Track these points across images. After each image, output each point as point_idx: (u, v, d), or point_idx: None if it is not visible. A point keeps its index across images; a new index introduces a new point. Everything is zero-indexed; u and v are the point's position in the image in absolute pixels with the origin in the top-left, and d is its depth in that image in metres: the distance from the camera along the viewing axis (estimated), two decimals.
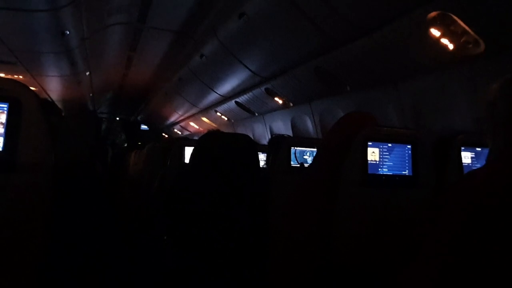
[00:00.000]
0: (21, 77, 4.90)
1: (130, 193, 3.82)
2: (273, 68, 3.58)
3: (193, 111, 7.06)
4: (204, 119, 7.03)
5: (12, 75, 4.79)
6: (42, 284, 0.92)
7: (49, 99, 6.37)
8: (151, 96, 8.28)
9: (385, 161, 1.32)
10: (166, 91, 6.76)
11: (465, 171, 1.63)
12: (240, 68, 3.84)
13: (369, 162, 1.29)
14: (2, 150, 0.84)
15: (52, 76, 5.02)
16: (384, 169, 1.32)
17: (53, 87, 5.74)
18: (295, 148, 2.08)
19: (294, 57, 3.14)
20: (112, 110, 11.23)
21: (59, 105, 7.21)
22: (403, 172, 1.35)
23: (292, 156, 2.07)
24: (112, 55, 5.30)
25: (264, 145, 3.14)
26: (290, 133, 4.35)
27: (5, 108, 0.85)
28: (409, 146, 1.35)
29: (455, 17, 1.73)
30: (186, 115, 7.76)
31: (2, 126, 0.84)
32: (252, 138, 3.41)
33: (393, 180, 1.33)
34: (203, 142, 1.46)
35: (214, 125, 6.71)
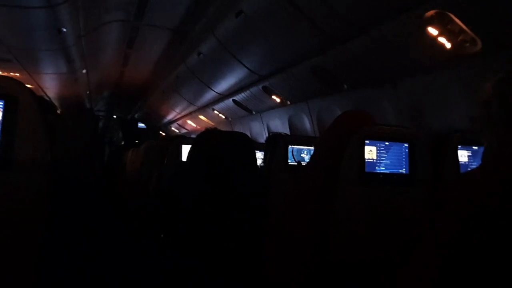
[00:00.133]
0: (17, 74, 4.87)
1: (128, 191, 3.81)
2: (271, 66, 3.58)
3: (191, 109, 7.04)
4: (202, 117, 7.02)
5: (9, 72, 4.76)
6: (40, 283, 0.92)
7: (45, 97, 6.34)
8: (148, 94, 8.26)
9: (382, 160, 1.32)
10: (164, 89, 6.74)
11: (462, 169, 1.64)
12: (238, 66, 3.83)
13: (366, 160, 1.29)
14: None
15: (49, 73, 4.99)
16: (381, 168, 1.32)
17: (50, 85, 5.71)
18: (293, 146, 2.08)
19: (291, 55, 3.14)
20: (109, 108, 11.20)
21: (56, 103, 7.18)
22: (400, 171, 1.35)
23: (290, 154, 2.07)
24: (109, 52, 5.28)
25: (262, 143, 3.13)
26: (287, 131, 4.36)
27: (1, 106, 0.85)
28: (406, 145, 1.36)
29: (452, 16, 1.74)
30: (184, 113, 7.74)
31: None
32: (250, 136, 3.41)
33: (390, 178, 1.33)
34: (200, 140, 1.45)
35: (211, 123, 6.70)
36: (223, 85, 4.80)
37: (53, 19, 3.09)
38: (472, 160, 1.67)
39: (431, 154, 1.38)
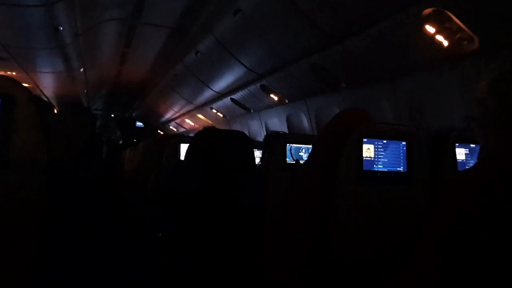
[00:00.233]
0: (14, 73, 4.86)
1: (126, 190, 3.81)
2: (269, 65, 3.57)
3: (189, 108, 7.04)
4: (200, 116, 7.01)
5: (5, 71, 4.74)
6: (39, 283, 0.92)
7: (43, 96, 6.32)
8: (146, 92, 8.24)
9: (380, 158, 1.32)
10: (161, 88, 6.73)
11: (460, 167, 1.64)
12: (236, 65, 3.83)
13: (364, 158, 1.29)
14: None
15: (46, 72, 4.98)
16: (379, 166, 1.32)
17: (47, 83, 5.69)
18: (291, 145, 2.08)
19: (290, 53, 3.14)
20: (107, 107, 11.18)
21: (54, 102, 7.16)
22: (398, 169, 1.36)
23: (288, 153, 2.07)
24: (107, 51, 5.26)
25: (260, 142, 3.13)
26: (285, 130, 4.35)
27: None
28: (404, 143, 1.36)
29: (450, 14, 1.74)
30: (182, 112, 7.73)
31: None
32: (248, 135, 3.41)
33: (388, 176, 1.33)
34: (198, 139, 1.45)
35: (209, 122, 6.70)
36: (221, 84, 4.79)
37: (50, 17, 3.07)
38: (469, 158, 1.67)
39: (429, 152, 1.39)
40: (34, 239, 0.88)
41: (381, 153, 1.32)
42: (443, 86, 2.25)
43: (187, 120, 8.12)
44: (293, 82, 3.53)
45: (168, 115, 8.76)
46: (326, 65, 2.88)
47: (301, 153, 2.13)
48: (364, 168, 1.29)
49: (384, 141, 1.33)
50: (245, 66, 3.78)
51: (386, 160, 1.33)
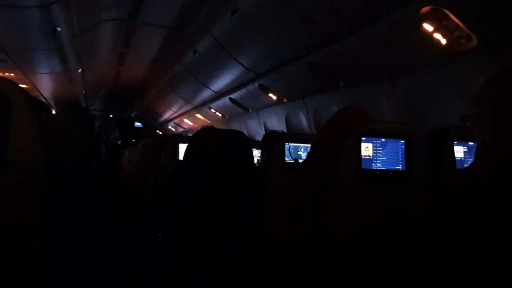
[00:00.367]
0: (12, 74, 4.84)
1: (125, 190, 3.81)
2: (267, 64, 3.57)
3: (187, 107, 7.03)
4: (198, 115, 7.01)
5: (3, 72, 4.73)
6: (38, 283, 0.91)
7: (41, 97, 6.31)
8: (144, 93, 8.23)
9: (379, 156, 1.32)
10: (160, 88, 6.72)
11: (458, 165, 1.64)
12: (234, 64, 3.83)
13: (362, 157, 1.29)
14: None
15: (44, 73, 4.97)
16: (377, 164, 1.33)
17: (45, 84, 5.68)
18: (289, 144, 2.08)
19: (287, 52, 3.13)
20: (106, 107, 11.16)
21: (52, 103, 7.15)
22: (397, 167, 1.36)
23: (287, 152, 2.07)
24: (105, 51, 5.25)
25: (259, 141, 3.13)
26: (284, 129, 4.36)
27: None
28: (402, 141, 1.36)
29: (447, 12, 1.74)
30: (180, 112, 7.73)
31: None
32: (246, 134, 3.41)
33: (387, 175, 1.34)
34: (197, 139, 1.45)
35: (208, 121, 6.69)
36: (219, 84, 4.79)
37: (47, 18, 3.07)
38: (468, 156, 1.68)
39: (427, 150, 1.39)
40: (33, 239, 0.88)
41: (379, 151, 1.33)
42: (442, 84, 2.26)
43: (186, 120, 8.12)
44: (291, 81, 3.53)
45: (167, 115, 8.75)
46: (324, 64, 2.88)
47: (300, 152, 2.13)
48: (363, 166, 1.29)
49: (383, 140, 1.33)
50: (243, 66, 3.78)
51: (385, 158, 1.34)
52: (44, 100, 6.48)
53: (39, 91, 6.06)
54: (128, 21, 4.22)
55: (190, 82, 5.26)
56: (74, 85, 5.95)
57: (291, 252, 1.29)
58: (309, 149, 2.07)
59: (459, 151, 1.67)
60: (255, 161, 2.54)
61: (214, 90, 5.14)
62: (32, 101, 0.89)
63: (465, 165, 1.65)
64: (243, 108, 5.12)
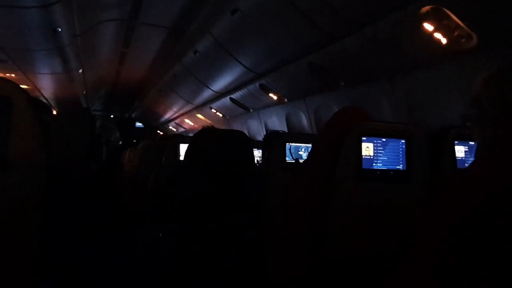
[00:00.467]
0: (12, 75, 4.85)
1: (126, 191, 3.81)
2: (267, 64, 3.57)
3: (188, 108, 7.03)
4: (199, 115, 7.01)
5: (4, 73, 4.74)
6: (38, 283, 0.92)
7: (41, 97, 6.32)
8: (145, 93, 8.24)
9: (379, 156, 1.32)
10: (160, 88, 6.72)
11: (459, 165, 1.64)
12: (234, 64, 3.83)
13: (363, 157, 1.29)
14: None
15: (44, 74, 4.97)
16: (378, 164, 1.32)
17: (46, 85, 5.69)
18: (290, 144, 2.08)
19: (288, 52, 3.13)
20: (106, 107, 11.17)
21: (53, 103, 7.15)
22: (397, 167, 1.36)
23: (287, 152, 2.07)
24: (105, 52, 5.26)
25: (259, 141, 3.13)
26: (285, 129, 4.36)
27: None
28: (403, 141, 1.36)
29: (448, 11, 1.74)
30: (181, 112, 7.73)
31: None
32: (247, 134, 3.41)
33: (388, 174, 1.34)
34: (197, 139, 1.45)
35: (209, 121, 6.69)
36: (220, 84, 4.79)
37: (47, 18, 3.07)
38: (468, 156, 1.67)
39: (428, 150, 1.39)
40: (33, 239, 0.88)
41: (380, 151, 1.33)
42: (442, 83, 2.25)
43: (187, 120, 8.12)
44: (292, 81, 3.53)
45: (168, 115, 8.75)
46: (324, 64, 2.88)
47: (300, 152, 2.13)
48: (364, 166, 1.29)
49: (383, 140, 1.33)
50: (244, 66, 3.78)
51: (386, 158, 1.33)
52: (44, 101, 6.49)
53: (39, 91, 6.07)
54: (129, 21, 4.22)
55: (191, 82, 5.26)
56: (75, 85, 5.96)
57: (292, 252, 1.29)
58: (309, 149, 2.07)
59: (459, 151, 1.66)
60: (256, 161, 2.54)
61: (214, 90, 5.14)
62: (32, 101, 0.89)
63: (466, 164, 1.65)
64: (243, 108, 5.12)
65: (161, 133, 10.63)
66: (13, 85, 0.87)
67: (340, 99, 3.24)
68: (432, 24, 1.86)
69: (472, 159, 1.67)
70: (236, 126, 5.70)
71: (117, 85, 7.84)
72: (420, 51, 2.14)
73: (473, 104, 0.81)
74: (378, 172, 1.32)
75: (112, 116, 12.16)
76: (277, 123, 4.58)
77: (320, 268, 1.23)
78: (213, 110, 6.09)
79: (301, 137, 2.18)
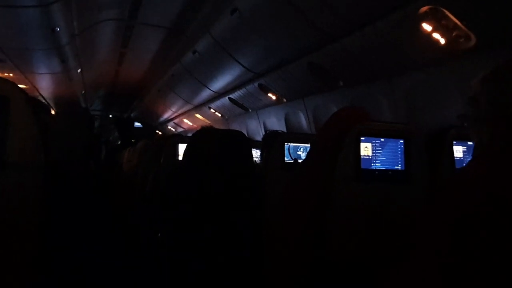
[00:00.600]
0: (11, 75, 4.84)
1: (124, 190, 3.80)
2: (266, 64, 3.57)
3: (187, 107, 7.03)
4: (198, 115, 7.01)
5: (2, 73, 4.73)
6: (38, 283, 0.91)
7: (40, 97, 6.31)
8: (144, 93, 8.23)
9: (378, 156, 1.32)
10: (159, 88, 6.72)
11: (457, 164, 1.64)
12: (233, 64, 3.83)
13: (361, 157, 1.29)
14: None
15: (43, 73, 4.96)
16: (377, 164, 1.33)
17: (44, 84, 5.67)
18: (289, 144, 2.08)
19: (287, 52, 3.13)
20: (105, 107, 11.15)
21: (51, 103, 7.14)
22: (396, 167, 1.36)
23: (286, 152, 2.07)
24: (104, 51, 5.25)
25: (258, 141, 3.13)
26: (284, 129, 4.36)
27: None
28: (401, 141, 1.36)
29: (446, 12, 1.74)
30: (180, 112, 7.73)
31: None
32: (246, 134, 3.41)
33: (386, 174, 1.34)
34: (196, 139, 1.45)
35: (207, 121, 6.69)
36: (219, 83, 4.79)
37: (46, 18, 3.06)
38: (467, 156, 1.68)
39: (426, 150, 1.39)
40: (33, 239, 0.88)
41: (378, 151, 1.33)
42: (441, 83, 2.26)
43: (186, 120, 8.12)
44: (291, 81, 3.53)
45: (166, 115, 8.75)
46: (323, 63, 2.88)
47: (299, 152, 2.13)
48: (362, 166, 1.29)
49: (382, 140, 1.33)
50: (243, 66, 3.78)
51: (384, 158, 1.34)
52: (43, 100, 6.48)
53: (38, 91, 6.05)
54: (127, 21, 4.22)
55: (190, 82, 5.26)
56: (74, 85, 5.95)
57: (291, 251, 1.29)
58: (308, 149, 2.07)
59: (458, 151, 1.67)
60: (254, 161, 2.53)
61: (213, 90, 5.14)
62: (31, 101, 0.89)
63: (464, 164, 1.66)
64: (242, 108, 5.12)
65: (160, 133, 10.63)
66: (12, 84, 0.87)
67: (339, 99, 3.24)
68: (430, 24, 1.87)
69: (470, 159, 1.67)
70: (235, 126, 5.70)
71: (116, 85, 7.82)
72: (419, 51, 2.14)
73: (471, 104, 0.81)
74: (376, 172, 1.32)
75: (111, 116, 12.14)
76: (276, 123, 4.58)
77: (319, 267, 1.23)
78: (212, 110, 6.08)
79: (300, 137, 2.19)
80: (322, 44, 2.66)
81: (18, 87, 0.88)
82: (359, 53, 2.51)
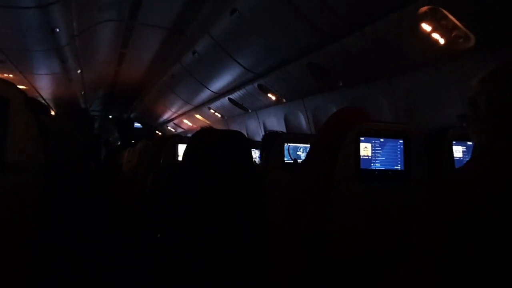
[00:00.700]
0: (10, 75, 4.84)
1: (124, 191, 3.80)
2: (266, 64, 3.57)
3: (186, 108, 7.03)
4: (198, 116, 7.01)
5: (2, 73, 4.73)
6: (37, 284, 0.91)
7: (40, 97, 6.31)
8: (144, 93, 8.23)
9: (378, 156, 1.33)
10: (159, 88, 6.72)
11: (457, 165, 1.65)
12: (233, 65, 3.83)
13: (361, 157, 1.30)
14: None
15: (43, 74, 4.96)
16: (376, 164, 1.33)
17: (44, 85, 5.67)
18: (289, 144, 2.08)
19: (286, 52, 3.14)
20: (105, 108, 11.15)
21: (51, 104, 7.14)
22: (396, 167, 1.36)
23: (286, 152, 2.07)
24: (104, 52, 5.25)
25: (258, 141, 3.13)
26: (283, 129, 4.36)
27: None
28: (401, 141, 1.36)
29: (445, 12, 1.74)
30: (179, 112, 7.72)
31: None
32: (246, 134, 3.41)
33: (386, 174, 1.34)
34: (196, 139, 1.45)
35: (207, 122, 6.69)
36: (218, 84, 4.79)
37: (46, 18, 3.06)
38: (467, 156, 1.68)
39: (426, 150, 1.39)
40: (33, 240, 0.88)
41: (378, 151, 1.33)
42: (441, 84, 2.26)
43: (185, 121, 8.11)
44: (290, 81, 3.53)
45: (166, 115, 8.75)
46: (323, 64, 2.88)
47: (299, 153, 2.14)
48: (362, 166, 1.30)
49: (381, 140, 1.33)
50: (242, 66, 3.78)
51: (384, 158, 1.34)
52: (43, 101, 6.48)
53: (38, 92, 6.05)
54: (127, 21, 4.21)
55: (189, 82, 5.26)
56: (73, 85, 5.94)
57: (291, 251, 1.30)
58: (308, 149, 2.08)
59: (457, 151, 1.67)
60: (254, 161, 2.54)
61: (213, 90, 5.14)
62: (30, 102, 0.89)
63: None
64: (242, 108, 5.12)
65: (160, 133, 10.62)
66: (11, 85, 0.87)
67: (338, 99, 3.24)
68: (430, 25, 1.87)
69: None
70: (235, 127, 5.70)
71: (116, 85, 7.82)
72: (419, 52, 2.14)
73: (470, 104, 0.81)
74: (376, 172, 1.32)
75: (110, 116, 12.14)
76: (276, 123, 4.58)
77: (319, 267, 1.23)
78: (212, 111, 6.08)
79: (299, 137, 2.19)
80: (322, 44, 2.66)
81: (18, 88, 0.88)
82: (358, 53, 2.51)
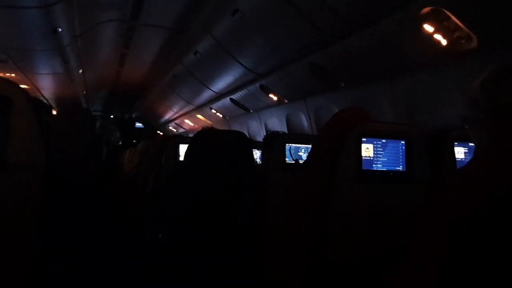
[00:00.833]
0: (13, 75, 4.85)
1: (125, 191, 3.81)
2: (268, 65, 3.57)
3: (188, 108, 7.03)
4: (199, 116, 7.01)
5: (4, 73, 4.74)
6: (38, 284, 0.91)
7: (42, 97, 6.33)
8: (145, 93, 8.24)
9: (379, 157, 1.32)
10: (161, 88, 6.73)
11: (459, 166, 1.64)
12: (235, 65, 3.83)
13: (363, 158, 1.29)
14: None
15: (45, 74, 4.97)
16: (378, 165, 1.32)
17: (46, 85, 5.69)
18: (290, 144, 2.08)
19: (288, 53, 3.14)
20: (106, 108, 11.17)
21: (53, 104, 7.16)
22: (397, 168, 1.36)
23: (287, 152, 2.07)
24: (105, 52, 5.26)
25: (260, 142, 3.13)
26: (285, 129, 4.35)
27: None
28: (402, 142, 1.36)
29: (448, 13, 1.74)
30: (181, 112, 7.73)
31: None
32: (247, 135, 3.41)
33: (387, 175, 1.34)
34: (197, 139, 1.45)
35: (209, 122, 6.70)
36: (220, 84, 4.79)
37: (48, 19, 3.07)
38: (468, 157, 1.68)
39: (428, 151, 1.39)
40: (33, 240, 0.88)
41: (380, 152, 1.33)
42: (443, 84, 2.25)
43: (187, 121, 8.12)
44: (292, 81, 3.53)
45: (168, 115, 8.76)
46: (324, 64, 2.88)
47: (300, 153, 2.13)
48: (363, 167, 1.29)
49: (383, 141, 1.33)
50: (244, 66, 3.78)
51: (385, 159, 1.33)
52: (45, 101, 6.50)
53: (40, 91, 6.07)
54: (129, 22, 4.22)
55: (191, 82, 5.26)
56: (75, 85, 5.96)
57: (292, 252, 1.29)
58: (309, 149, 2.07)
59: (459, 152, 1.67)
60: (255, 162, 2.53)
61: (214, 90, 5.14)
62: (32, 101, 0.90)
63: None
64: (244, 108, 5.12)
65: (161, 133, 10.63)
66: (13, 85, 0.87)
67: (340, 100, 3.24)
68: (432, 25, 1.86)
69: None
70: (236, 127, 5.71)
71: (118, 85, 7.84)
72: (421, 52, 2.14)
73: (471, 105, 0.81)
74: (378, 173, 1.32)
75: (112, 116, 12.16)
76: (277, 123, 4.58)
77: (320, 268, 1.23)
78: (213, 111, 6.09)
79: (301, 138, 2.19)
80: (323, 45, 2.66)
81: (20, 87, 0.88)
82: (360, 54, 2.51)
